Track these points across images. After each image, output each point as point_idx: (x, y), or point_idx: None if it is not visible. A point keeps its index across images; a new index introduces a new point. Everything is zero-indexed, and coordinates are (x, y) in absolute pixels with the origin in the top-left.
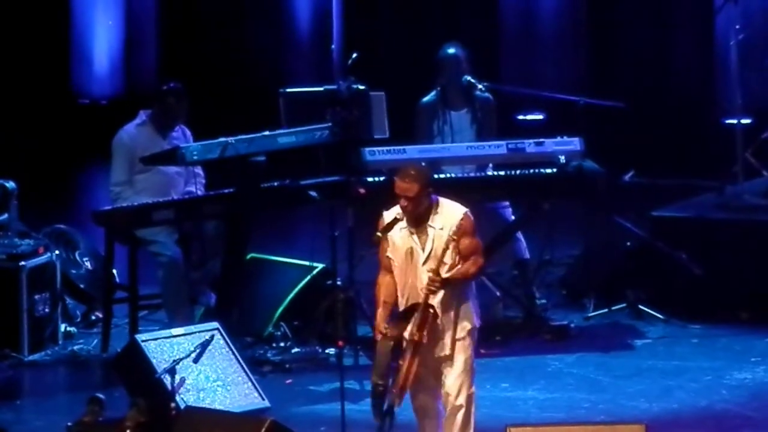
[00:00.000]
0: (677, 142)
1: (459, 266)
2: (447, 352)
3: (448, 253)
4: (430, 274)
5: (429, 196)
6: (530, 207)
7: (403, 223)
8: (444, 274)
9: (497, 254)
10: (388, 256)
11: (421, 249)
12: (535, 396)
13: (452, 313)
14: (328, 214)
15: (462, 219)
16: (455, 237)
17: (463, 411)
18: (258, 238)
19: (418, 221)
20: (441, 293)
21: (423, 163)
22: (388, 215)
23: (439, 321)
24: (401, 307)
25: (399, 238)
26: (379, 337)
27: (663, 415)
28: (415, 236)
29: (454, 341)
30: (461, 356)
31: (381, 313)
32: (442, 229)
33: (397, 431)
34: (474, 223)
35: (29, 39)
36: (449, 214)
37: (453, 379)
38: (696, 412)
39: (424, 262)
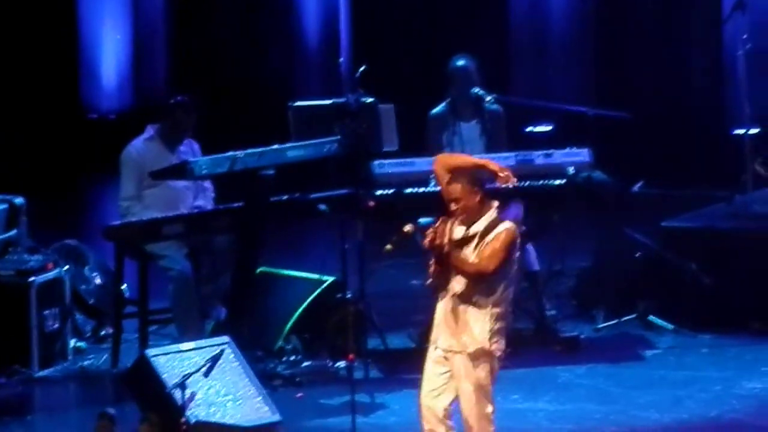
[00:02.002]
0: (686, 153)
1: (467, 259)
2: (457, 349)
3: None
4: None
5: (476, 195)
6: (540, 218)
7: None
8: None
9: None
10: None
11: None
12: (546, 407)
13: (474, 316)
14: (338, 227)
15: (504, 229)
16: (488, 241)
17: (473, 431)
18: (268, 251)
19: (470, 222)
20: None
21: (431, 176)
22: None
23: (456, 307)
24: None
25: (452, 225)
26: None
27: (674, 426)
28: (463, 228)
29: (467, 347)
30: (471, 376)
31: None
32: (483, 231)
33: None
34: (513, 241)
35: (37, 54)
36: (495, 224)
37: (460, 396)
38: (706, 422)
39: (457, 243)
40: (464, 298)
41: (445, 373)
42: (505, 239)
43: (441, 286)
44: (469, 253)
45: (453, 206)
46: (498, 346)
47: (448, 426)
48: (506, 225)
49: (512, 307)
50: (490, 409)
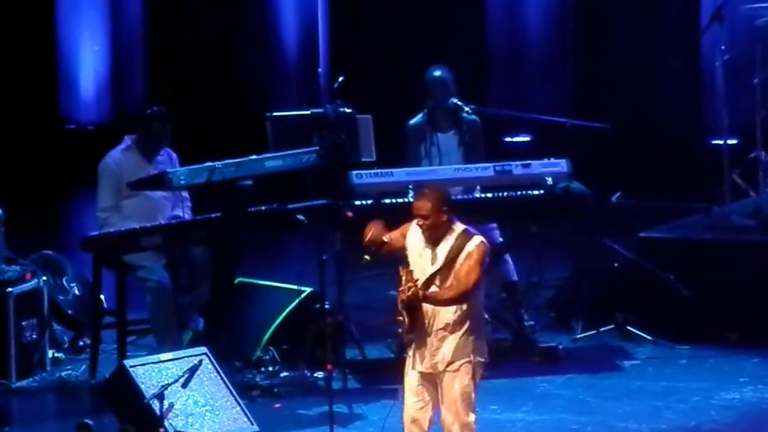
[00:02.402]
0: (664, 164)
1: (445, 290)
2: (439, 370)
3: (450, 278)
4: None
5: (444, 214)
6: (518, 229)
7: (422, 240)
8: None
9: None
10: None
11: (430, 265)
12: (524, 418)
13: (453, 335)
14: (316, 238)
15: (475, 247)
16: (461, 260)
17: None
18: (246, 262)
19: (434, 241)
20: (448, 311)
21: (410, 187)
22: (414, 225)
23: (436, 332)
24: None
25: (417, 252)
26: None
27: None
28: (428, 252)
29: (450, 365)
30: (456, 387)
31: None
32: (452, 253)
33: None
34: (485, 255)
35: (16, 64)
36: (464, 240)
37: (445, 408)
38: None
39: (429, 282)
40: (441, 319)
41: (428, 388)
42: (479, 255)
43: (416, 335)
44: (444, 278)
45: (419, 222)
46: (480, 355)
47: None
48: (476, 241)
49: (489, 315)
50: (473, 417)
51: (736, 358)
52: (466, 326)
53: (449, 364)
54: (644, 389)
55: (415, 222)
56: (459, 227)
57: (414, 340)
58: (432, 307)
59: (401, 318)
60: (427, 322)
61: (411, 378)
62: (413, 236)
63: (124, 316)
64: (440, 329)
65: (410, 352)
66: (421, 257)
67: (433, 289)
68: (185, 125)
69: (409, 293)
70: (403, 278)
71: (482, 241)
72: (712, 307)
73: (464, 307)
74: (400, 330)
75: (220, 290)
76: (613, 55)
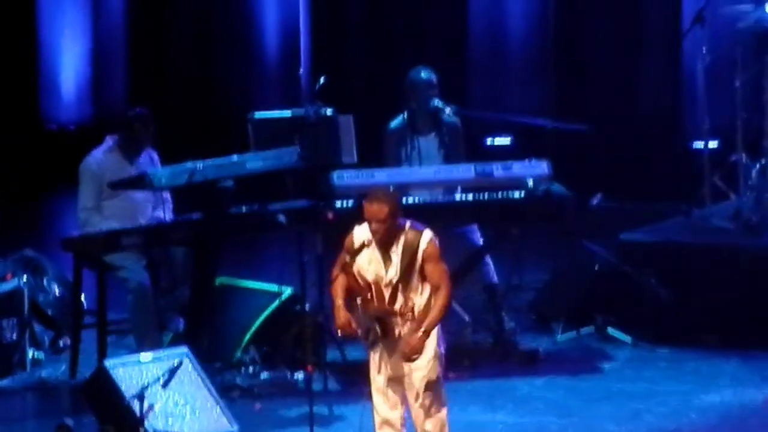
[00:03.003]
0: (645, 166)
1: (432, 309)
2: (407, 371)
3: (412, 278)
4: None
5: (398, 219)
6: (498, 231)
7: (371, 246)
8: (421, 328)
9: (466, 279)
10: (347, 262)
11: (384, 272)
12: (505, 420)
13: (413, 338)
14: (297, 239)
15: (427, 245)
16: (420, 262)
17: None
18: (226, 263)
19: (385, 245)
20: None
21: (391, 188)
22: (358, 232)
23: (399, 338)
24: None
25: (364, 259)
26: (340, 329)
27: None
28: (380, 259)
29: (418, 364)
30: (424, 381)
31: (341, 305)
32: (407, 254)
33: None
34: (439, 249)
35: None
36: (414, 238)
37: (418, 405)
38: None
39: (387, 286)
40: (409, 321)
41: (395, 388)
42: (435, 251)
43: (385, 341)
44: (406, 281)
45: (374, 226)
46: (442, 344)
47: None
48: (426, 237)
49: (469, 316)
50: (444, 411)
51: (716, 361)
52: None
53: (420, 368)
54: (624, 391)
55: (356, 232)
56: (405, 225)
57: (381, 346)
58: (398, 310)
59: (373, 327)
60: (396, 329)
61: (378, 381)
62: (356, 246)
63: (105, 317)
64: (405, 332)
65: (375, 357)
66: (371, 263)
67: (392, 293)
68: (166, 126)
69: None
70: (373, 290)
71: (431, 236)
72: (692, 310)
73: (425, 304)
74: (359, 335)
75: (201, 291)
76: (594, 58)
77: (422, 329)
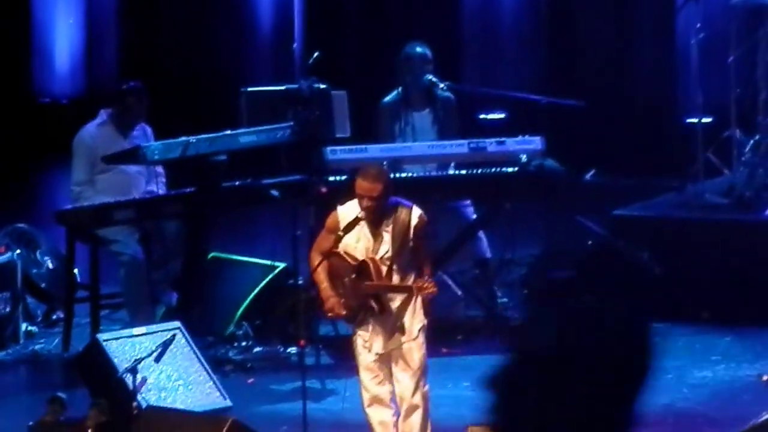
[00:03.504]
0: (638, 142)
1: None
2: (397, 345)
3: (404, 254)
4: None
5: (389, 196)
6: (492, 206)
7: (360, 223)
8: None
9: (459, 253)
10: (331, 241)
11: (377, 250)
12: None
13: (404, 308)
14: (290, 214)
15: (417, 221)
16: (411, 239)
17: (420, 410)
18: (219, 237)
19: (377, 222)
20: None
21: (384, 163)
22: (343, 211)
23: (391, 314)
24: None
25: (355, 238)
26: (329, 311)
27: None
28: (371, 236)
29: (408, 336)
30: (416, 355)
31: (327, 287)
32: (399, 230)
33: (358, 431)
34: (428, 226)
35: None
36: (405, 214)
37: (408, 377)
38: (657, 410)
39: (382, 263)
40: (399, 301)
41: (382, 365)
42: (425, 227)
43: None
44: (398, 257)
45: (367, 203)
46: (426, 316)
47: (394, 409)
48: (416, 213)
49: (461, 291)
50: (428, 386)
51: (709, 337)
52: (415, 297)
53: (408, 339)
54: None
55: (340, 211)
56: (396, 204)
57: (371, 323)
58: (413, 293)
59: (369, 304)
60: (391, 304)
61: (367, 358)
62: (344, 225)
63: (98, 290)
64: (397, 306)
65: (365, 334)
66: (360, 241)
67: (387, 269)
68: (160, 100)
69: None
70: (371, 267)
71: (420, 213)
72: (685, 285)
73: (412, 276)
74: (347, 316)
75: (194, 265)
76: (587, 33)
77: (427, 307)
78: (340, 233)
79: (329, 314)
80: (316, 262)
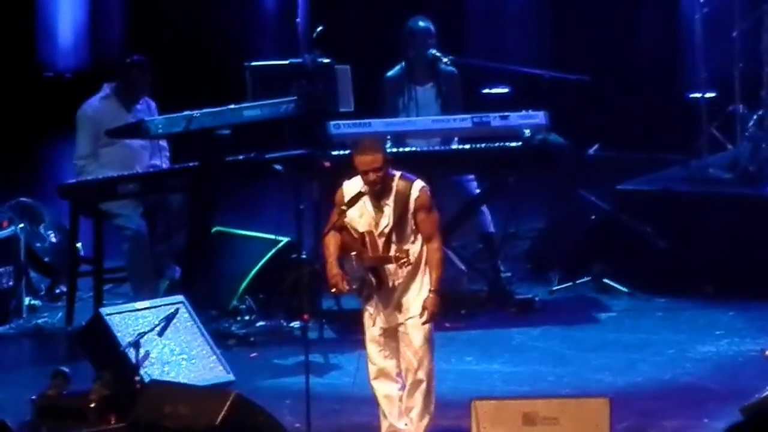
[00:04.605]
0: (642, 116)
1: (431, 268)
2: (402, 320)
3: (405, 227)
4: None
5: (389, 165)
6: (495, 180)
7: (363, 198)
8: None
9: (462, 228)
10: (341, 217)
11: (378, 223)
12: (500, 369)
13: (411, 283)
14: (294, 188)
15: (419, 194)
16: (412, 211)
17: (424, 385)
18: (223, 211)
19: (378, 195)
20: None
21: (387, 137)
22: (349, 186)
23: (395, 289)
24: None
25: (356, 211)
26: (333, 287)
27: (627, 388)
28: (373, 210)
29: (413, 312)
30: (420, 331)
31: (333, 263)
32: (399, 203)
33: (359, 406)
34: (431, 198)
35: None
36: (406, 187)
37: (412, 353)
38: (660, 385)
39: (381, 236)
40: (402, 272)
41: (389, 340)
42: (427, 201)
43: (380, 292)
44: (400, 230)
45: (372, 176)
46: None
47: (400, 384)
48: (418, 186)
49: (465, 265)
50: (433, 363)
51: (712, 311)
52: (420, 270)
53: (413, 314)
54: (620, 341)
55: (346, 186)
56: (396, 175)
57: (375, 297)
58: (393, 257)
59: (368, 278)
60: (390, 279)
61: (373, 331)
62: (348, 199)
63: (101, 264)
64: (401, 281)
65: (370, 309)
66: (363, 215)
67: (386, 242)
68: (164, 74)
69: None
70: (367, 240)
71: (423, 186)
72: (689, 260)
73: (419, 252)
74: (354, 288)
75: (197, 239)
76: (592, 8)
77: (432, 290)
78: (343, 208)
79: (332, 290)
80: (325, 234)
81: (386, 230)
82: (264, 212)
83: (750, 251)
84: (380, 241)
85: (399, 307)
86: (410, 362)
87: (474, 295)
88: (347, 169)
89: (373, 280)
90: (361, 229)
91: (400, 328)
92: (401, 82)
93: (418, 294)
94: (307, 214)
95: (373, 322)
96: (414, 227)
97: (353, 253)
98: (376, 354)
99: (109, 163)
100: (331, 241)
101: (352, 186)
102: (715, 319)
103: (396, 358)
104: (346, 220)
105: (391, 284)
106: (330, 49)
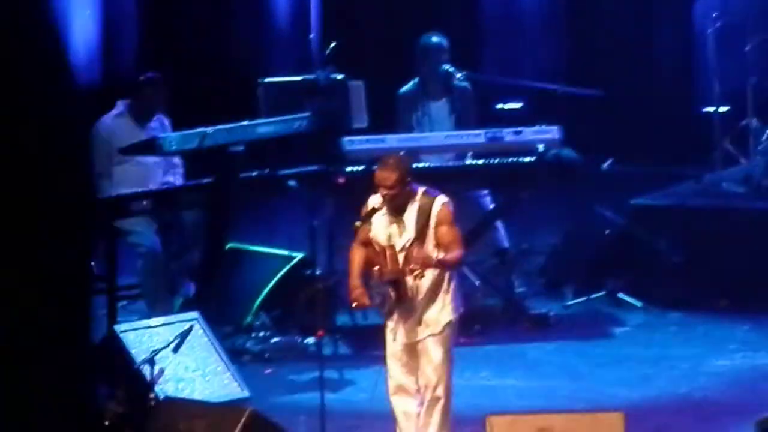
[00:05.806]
0: (656, 131)
1: (446, 255)
2: (423, 336)
3: (427, 242)
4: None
5: (408, 185)
6: (509, 196)
7: (383, 210)
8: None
9: (477, 243)
10: (367, 231)
11: (399, 237)
12: (515, 384)
13: (433, 300)
14: (308, 204)
15: (440, 208)
16: (433, 226)
17: (442, 402)
18: (237, 227)
19: (398, 210)
20: (427, 278)
21: (402, 153)
22: (371, 201)
23: (418, 302)
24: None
25: (380, 225)
26: (354, 301)
27: (642, 403)
28: (394, 224)
29: (433, 329)
30: (440, 348)
31: (355, 277)
32: (420, 218)
33: (374, 422)
34: (453, 213)
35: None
36: (428, 203)
37: (431, 370)
38: (675, 399)
39: (401, 250)
40: (423, 287)
41: (410, 355)
42: (449, 216)
43: (401, 307)
44: (420, 245)
45: (383, 192)
46: (455, 311)
47: (419, 400)
48: (440, 201)
49: (479, 281)
50: (452, 380)
51: (727, 325)
52: (443, 287)
53: (434, 331)
54: (634, 356)
55: (372, 199)
56: (419, 190)
57: (396, 312)
58: (407, 275)
59: (390, 291)
60: (410, 293)
61: (394, 346)
62: (375, 220)
63: (115, 282)
64: (422, 297)
65: (390, 324)
66: (384, 229)
67: (406, 257)
68: (177, 91)
69: (415, 260)
70: (387, 254)
71: (445, 201)
72: (703, 274)
73: (440, 270)
74: (377, 302)
75: (212, 255)
76: (605, 22)
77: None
78: (360, 223)
79: (354, 304)
80: (352, 249)
81: (407, 245)
82: (278, 228)
83: (764, 265)
84: (401, 256)
85: (419, 323)
86: (429, 379)
87: (489, 311)
88: (361, 185)
89: (392, 294)
90: (382, 243)
91: (420, 345)
92: (415, 98)
93: (440, 311)
94: (321, 230)
95: (394, 337)
96: (435, 243)
97: (376, 267)
98: (396, 369)
99: (123, 181)
100: (356, 256)
101: (375, 199)
102: (730, 334)
103: (415, 375)
104: (370, 234)
105: (411, 299)
106: (343, 65)
